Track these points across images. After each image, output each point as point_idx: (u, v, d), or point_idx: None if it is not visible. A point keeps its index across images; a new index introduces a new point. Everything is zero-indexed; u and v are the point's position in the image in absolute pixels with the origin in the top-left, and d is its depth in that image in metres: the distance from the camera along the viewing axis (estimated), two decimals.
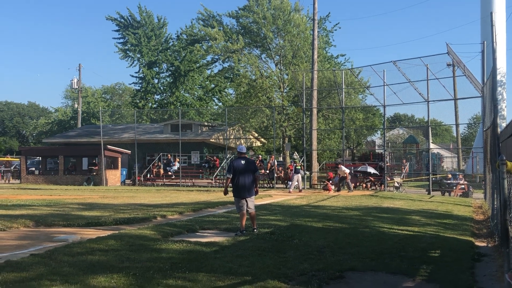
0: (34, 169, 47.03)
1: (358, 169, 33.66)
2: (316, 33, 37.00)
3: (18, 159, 49.84)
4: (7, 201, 21.43)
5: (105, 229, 13.07)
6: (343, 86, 35.75)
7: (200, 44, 52.51)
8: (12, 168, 50.85)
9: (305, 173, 33.59)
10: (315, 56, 36.42)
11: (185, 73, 61.65)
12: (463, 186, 30.80)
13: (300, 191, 30.07)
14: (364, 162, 37.15)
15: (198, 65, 62.00)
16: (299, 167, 31.07)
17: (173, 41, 65.69)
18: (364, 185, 32.65)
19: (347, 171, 30.05)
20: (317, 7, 36.32)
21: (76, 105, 67.60)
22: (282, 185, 34.45)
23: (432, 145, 45.13)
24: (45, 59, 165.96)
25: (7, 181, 44.64)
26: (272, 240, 11.09)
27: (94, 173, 40.03)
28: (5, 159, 58.64)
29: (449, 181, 31.85)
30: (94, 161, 41.09)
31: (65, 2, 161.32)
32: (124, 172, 42.80)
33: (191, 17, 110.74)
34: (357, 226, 13.94)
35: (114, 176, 40.75)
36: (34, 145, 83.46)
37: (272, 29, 44.56)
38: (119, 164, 42.16)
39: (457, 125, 49.24)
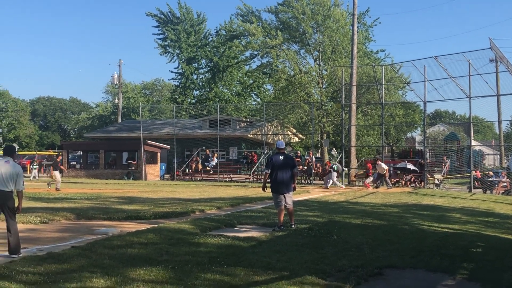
0: (75, 163, 47.90)
1: (398, 166, 33.23)
2: (355, 28, 36.63)
3: (60, 153, 50.78)
4: (49, 194, 21.90)
5: (144, 223, 13.22)
6: (383, 82, 35.31)
7: (239, 40, 52.66)
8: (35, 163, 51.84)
9: (343, 170, 33.34)
10: (355, 51, 36.06)
11: (223, 68, 61.84)
12: (505, 184, 30.12)
13: (326, 187, 29.94)
14: (403, 159, 36.63)
15: (236, 60, 62.12)
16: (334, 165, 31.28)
17: (212, 37, 65.95)
18: (403, 182, 32.23)
19: (386, 167, 29.70)
20: (357, 2, 35.91)
21: (116, 101, 68.58)
22: (319, 182, 34.29)
23: (473, 142, 44.22)
24: (87, 55, 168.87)
25: (49, 175, 45.56)
26: (310, 236, 11.03)
27: (134, 168, 40.58)
28: (48, 153, 59.91)
29: (491, 179, 31.19)
30: (132, 156, 41.60)
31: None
32: (163, 167, 43.26)
33: (230, 13, 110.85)
34: (396, 223, 13.77)
35: (153, 171, 41.22)
36: (75, 139, 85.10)
37: (311, 24, 44.35)
38: (158, 159, 42.62)
39: (499, 121, 48.08)
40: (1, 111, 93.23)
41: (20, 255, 8.76)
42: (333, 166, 31.10)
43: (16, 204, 9.14)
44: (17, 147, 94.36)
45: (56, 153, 44.60)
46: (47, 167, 46.92)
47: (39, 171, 42.42)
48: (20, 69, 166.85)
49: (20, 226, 12.37)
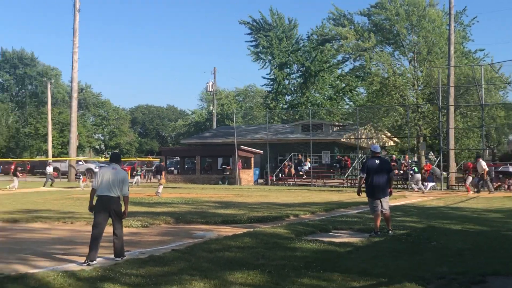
0: (173, 168, 49.37)
1: (499, 169, 31.75)
2: (452, 27, 35.47)
3: (158, 159, 52.54)
4: (150, 199, 22.69)
5: (240, 227, 13.39)
6: (483, 82, 33.92)
7: (331, 44, 52.33)
8: (153, 168, 53.70)
9: (441, 174, 32.29)
10: (452, 51, 34.89)
11: (315, 73, 61.66)
12: None
13: (423, 192, 29.07)
14: (506, 162, 34.98)
15: (328, 65, 61.81)
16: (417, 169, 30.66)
17: (303, 42, 65.99)
18: (506, 186, 30.74)
19: (486, 168, 28.34)
20: (453, 1, 34.76)
21: (211, 107, 70.12)
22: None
23: None
24: (183, 63, 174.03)
25: (148, 180, 47.22)
26: (408, 242, 10.76)
27: (228, 173, 41.27)
28: (147, 159, 62.19)
29: None
30: (227, 161, 42.35)
31: (200, 7, 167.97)
32: (256, 171, 43.71)
33: (321, 17, 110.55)
34: (499, 229, 13.16)
35: (247, 176, 41.74)
36: (172, 145, 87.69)
37: (406, 25, 43.40)
38: (252, 164, 43.12)
39: None
40: (103, 120, 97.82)
41: (124, 258, 9.12)
42: (413, 168, 30.33)
43: (123, 209, 9.50)
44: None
45: (160, 159, 46.18)
46: (147, 173, 48.72)
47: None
48: (120, 79, 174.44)
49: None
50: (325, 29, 57.65)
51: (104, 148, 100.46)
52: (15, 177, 33.52)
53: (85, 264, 8.67)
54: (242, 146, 41.60)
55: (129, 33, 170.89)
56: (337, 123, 51.33)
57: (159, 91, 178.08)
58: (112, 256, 9.24)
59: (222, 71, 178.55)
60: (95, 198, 9.46)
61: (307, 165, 40.43)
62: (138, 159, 60.97)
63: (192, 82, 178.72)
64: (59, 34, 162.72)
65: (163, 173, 27.88)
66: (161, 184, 26.54)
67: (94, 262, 8.79)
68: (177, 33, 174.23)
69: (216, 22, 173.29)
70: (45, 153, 70.67)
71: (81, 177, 35.42)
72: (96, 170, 50.94)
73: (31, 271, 8.06)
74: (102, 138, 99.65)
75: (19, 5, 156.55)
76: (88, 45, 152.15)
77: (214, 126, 62.30)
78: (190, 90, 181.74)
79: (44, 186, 35.48)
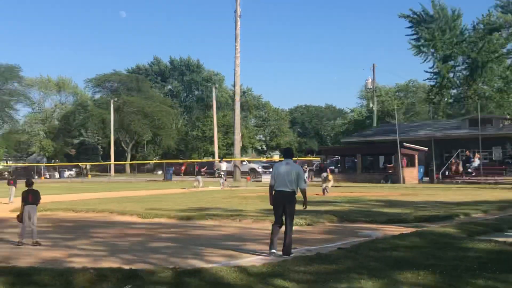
0: (333, 167, 49.34)
1: None
2: None
3: (318, 159, 52.83)
4: (312, 198, 22.85)
5: (407, 226, 13.02)
6: None
7: (499, 32, 49.07)
8: (314, 167, 54.12)
9: None
10: None
11: (482, 64, 58.07)
12: None
13: None
14: None
15: (497, 54, 57.96)
16: None
17: (468, 32, 62.55)
18: None
19: None
20: None
21: (371, 105, 69.11)
22: None
23: None
24: (340, 61, 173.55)
25: (310, 179, 47.62)
26: None
27: (391, 171, 40.35)
28: (307, 158, 62.84)
29: None
30: (389, 159, 41.41)
31: (357, 3, 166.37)
32: (421, 169, 42.25)
33: (487, 5, 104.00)
34: None
35: (411, 174, 40.49)
36: (332, 145, 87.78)
37: None
38: (416, 162, 41.76)
39: None
40: (264, 121, 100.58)
41: (292, 255, 9.28)
42: None
43: (295, 204, 9.72)
44: (278, 154, 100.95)
45: (320, 158, 46.49)
46: (309, 173, 49.18)
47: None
48: (279, 81, 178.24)
49: None
50: (492, 18, 54.18)
51: (265, 149, 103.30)
52: (199, 177, 35.68)
53: (271, 255, 9.20)
54: (405, 144, 40.44)
55: (286, 34, 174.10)
56: (508, 117, 47.96)
57: (318, 90, 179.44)
58: (280, 252, 9.43)
59: (382, 67, 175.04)
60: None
61: (476, 162, 38.24)
62: (298, 158, 61.84)
63: (351, 80, 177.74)
64: (221, 41, 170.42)
65: (328, 171, 27.86)
66: (330, 181, 26.68)
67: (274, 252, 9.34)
68: (335, 32, 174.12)
69: (374, 18, 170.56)
70: (212, 154, 74.34)
71: (222, 175, 36.67)
72: (259, 170, 52.62)
73: (206, 265, 8.49)
74: (263, 138, 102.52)
75: (185, 16, 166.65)
76: (248, 48, 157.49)
77: (375, 124, 61.30)
78: (349, 88, 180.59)
79: (222, 186, 36.93)
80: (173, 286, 7.03)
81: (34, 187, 11.98)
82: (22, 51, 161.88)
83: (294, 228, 13.01)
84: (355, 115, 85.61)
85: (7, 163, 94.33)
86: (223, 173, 36.56)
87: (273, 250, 9.46)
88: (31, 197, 11.60)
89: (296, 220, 13.70)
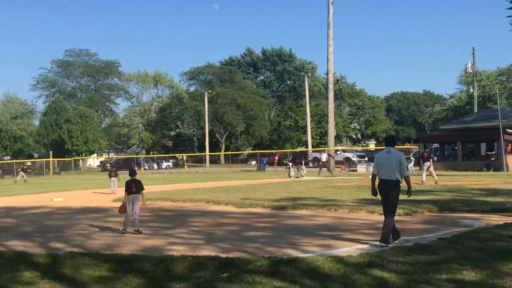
0: (432, 155, 47.79)
1: None
2: None
3: (416, 147, 51.45)
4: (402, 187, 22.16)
5: (510, 215, 12.40)
6: None
7: None
8: (412, 156, 52.70)
9: None
10: None
11: None
12: None
13: None
14: None
15: None
16: None
17: None
18: None
19: None
20: None
21: (471, 90, 66.35)
22: None
23: None
24: (439, 46, 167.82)
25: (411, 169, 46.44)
26: None
27: (494, 159, 38.58)
28: (404, 146, 61.32)
29: None
30: (491, 146, 39.60)
31: None
32: None
33: None
34: None
35: None
36: (430, 132, 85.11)
37: None
38: None
39: None
40: (359, 109, 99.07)
41: (390, 245, 9.06)
42: None
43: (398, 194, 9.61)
44: (374, 142, 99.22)
45: (418, 146, 45.26)
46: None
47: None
48: (374, 68, 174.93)
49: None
50: None
51: (360, 138, 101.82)
52: (302, 166, 35.99)
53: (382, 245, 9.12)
54: (508, 130, 38.48)
55: (380, 19, 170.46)
56: None
57: (414, 76, 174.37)
58: (377, 242, 9.24)
59: (482, 51, 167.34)
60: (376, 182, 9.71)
61: None
62: (397, 147, 60.44)
63: (450, 64, 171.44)
64: (313, 29, 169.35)
65: (431, 160, 26.90)
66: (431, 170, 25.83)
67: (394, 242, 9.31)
68: (432, 14, 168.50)
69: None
70: (305, 144, 74.22)
71: (290, 165, 36.57)
72: (354, 159, 51.95)
73: (301, 255, 8.45)
74: (358, 127, 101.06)
75: (277, 6, 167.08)
76: (341, 36, 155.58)
77: (475, 110, 58.76)
78: (447, 74, 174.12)
79: (319, 175, 37.03)
80: (269, 275, 7.04)
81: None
82: (121, 48, 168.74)
83: None
84: (455, 101, 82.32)
85: (108, 155, 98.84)
86: (290, 163, 36.49)
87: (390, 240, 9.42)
88: (134, 187, 12.03)
89: None
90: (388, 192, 9.40)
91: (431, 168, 25.81)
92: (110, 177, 26.00)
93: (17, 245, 10.68)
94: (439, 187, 21.82)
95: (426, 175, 25.29)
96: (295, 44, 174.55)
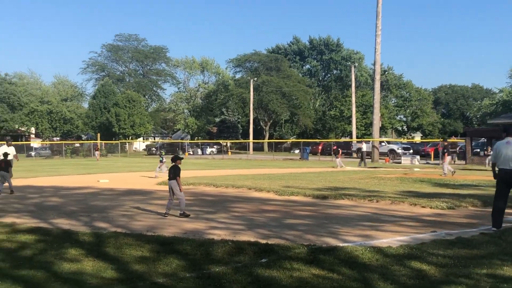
0: (478, 150, 46.87)
1: None
2: None
3: (463, 141, 50.48)
4: (454, 181, 21.93)
5: None
6: None
7: None
8: (457, 149, 51.78)
9: None
10: None
11: None
12: None
13: None
14: None
15: None
16: None
17: None
18: None
19: None
20: None
21: None
22: None
23: None
24: (487, 38, 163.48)
25: (452, 162, 45.67)
26: None
27: None
28: (451, 140, 60.15)
29: None
30: None
31: None
32: None
33: None
34: None
35: None
36: (478, 126, 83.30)
37: None
38: None
39: None
40: (405, 101, 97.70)
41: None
42: None
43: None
44: (420, 135, 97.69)
45: (464, 140, 44.43)
46: (452, 155, 47.09)
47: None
48: (423, 59, 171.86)
49: (427, 211, 12.78)
50: None
51: (406, 130, 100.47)
52: (336, 159, 35.94)
53: (493, 230, 9.57)
54: None
55: (429, 10, 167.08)
56: None
57: (463, 69, 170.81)
58: (422, 235, 9.18)
59: None
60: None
61: None
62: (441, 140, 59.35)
63: (500, 58, 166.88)
64: (362, 19, 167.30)
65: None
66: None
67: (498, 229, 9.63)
68: (482, 5, 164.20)
69: None
70: (349, 134, 73.69)
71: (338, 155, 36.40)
72: (399, 151, 51.30)
73: (340, 244, 8.46)
74: (404, 119, 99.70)
75: None
76: (389, 26, 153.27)
77: None
78: (498, 67, 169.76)
79: (359, 165, 36.82)
80: (308, 262, 7.08)
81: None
82: (170, 33, 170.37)
83: (434, 211, 12.66)
84: (504, 95, 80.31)
85: (154, 139, 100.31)
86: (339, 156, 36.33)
87: (494, 228, 9.76)
88: (171, 173, 12.24)
89: (436, 203, 13.29)
90: (508, 182, 9.82)
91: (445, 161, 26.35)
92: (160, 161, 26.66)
93: (64, 223, 11.00)
94: (481, 182, 21.36)
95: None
96: (343, 34, 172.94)
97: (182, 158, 12.96)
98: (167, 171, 12.95)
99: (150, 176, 26.03)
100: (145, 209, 13.52)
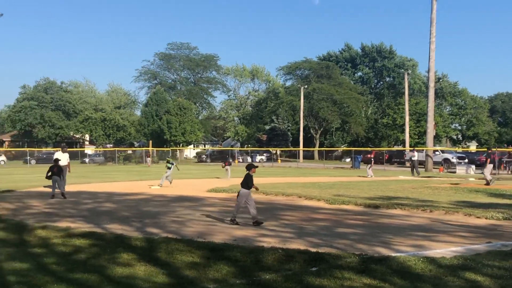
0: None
1: None
2: None
3: None
4: (502, 191, 21.18)
5: None
6: None
7: None
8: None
9: None
10: None
11: None
12: None
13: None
14: None
15: None
16: None
17: None
18: None
19: None
20: None
21: None
22: None
23: None
24: None
25: (509, 172, 44.39)
26: None
27: None
28: (507, 149, 58.49)
29: None
30: None
31: None
32: None
33: None
34: None
35: None
36: None
37: None
38: None
39: None
40: (460, 109, 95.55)
41: None
42: None
43: None
44: (475, 144, 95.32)
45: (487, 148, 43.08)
46: (508, 165, 45.77)
47: (498, 167, 41.64)
48: (478, 67, 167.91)
49: (482, 221, 12.44)
50: None
51: (461, 138, 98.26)
52: (368, 170, 35.26)
53: None
54: None
55: (485, 17, 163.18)
56: None
57: None
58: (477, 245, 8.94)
59: None
60: None
61: None
62: (498, 149, 57.83)
63: None
64: (415, 25, 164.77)
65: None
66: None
67: None
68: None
69: None
70: (402, 143, 72.52)
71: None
72: (453, 160, 50.13)
73: (393, 254, 8.31)
74: (459, 127, 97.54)
75: (377, 1, 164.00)
76: (443, 33, 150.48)
77: None
78: None
79: (412, 175, 36.12)
80: (359, 272, 6.99)
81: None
82: (220, 41, 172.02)
83: (489, 222, 12.30)
84: None
85: (204, 146, 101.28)
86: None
87: None
88: (244, 182, 12.23)
89: (492, 213, 12.93)
90: None
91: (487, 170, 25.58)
92: (223, 167, 30.62)
93: (116, 228, 11.19)
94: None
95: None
96: (396, 41, 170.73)
97: (257, 167, 12.90)
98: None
99: (152, 185, 25.34)
100: (195, 215, 13.61)
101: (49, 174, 18.29)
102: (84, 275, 6.87)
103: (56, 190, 18.21)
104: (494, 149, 32.83)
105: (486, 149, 37.09)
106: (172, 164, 25.00)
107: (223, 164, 31.09)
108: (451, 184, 25.60)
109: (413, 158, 38.47)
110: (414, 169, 37.17)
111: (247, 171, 12.35)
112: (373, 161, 37.67)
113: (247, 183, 12.14)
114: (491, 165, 26.04)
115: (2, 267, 7.39)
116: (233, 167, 32.77)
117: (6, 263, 7.63)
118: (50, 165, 18.74)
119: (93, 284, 6.47)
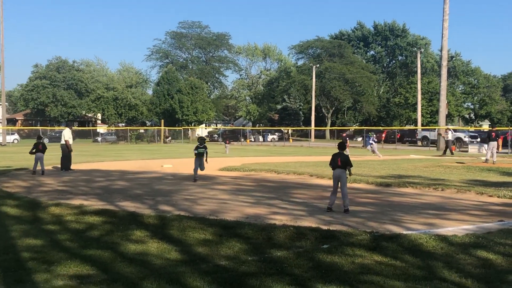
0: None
1: None
2: None
3: None
4: None
5: None
6: None
7: None
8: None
9: None
10: None
11: None
12: None
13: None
14: None
15: None
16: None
17: None
18: None
19: None
20: None
21: None
22: None
23: None
24: None
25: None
26: None
27: None
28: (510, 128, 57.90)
29: None
30: None
31: None
32: None
33: None
34: None
35: None
36: None
37: None
38: None
39: None
40: (473, 88, 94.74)
41: None
42: None
43: None
44: (488, 123, 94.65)
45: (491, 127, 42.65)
46: None
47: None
48: (492, 45, 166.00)
49: (494, 200, 12.40)
50: None
51: (473, 118, 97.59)
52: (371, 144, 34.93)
53: None
54: None
55: None
56: None
57: None
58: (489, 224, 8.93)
59: None
60: None
61: None
62: (500, 128, 57.32)
63: None
64: (429, 3, 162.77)
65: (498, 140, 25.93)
66: None
67: None
68: None
69: None
70: (414, 122, 72.19)
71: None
72: (466, 139, 49.87)
73: (404, 232, 8.32)
74: (472, 106, 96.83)
75: None
76: (457, 10, 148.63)
77: None
78: None
79: (444, 154, 35.70)
80: (370, 249, 7.02)
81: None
82: (232, 20, 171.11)
83: (502, 200, 12.26)
84: None
85: (216, 126, 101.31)
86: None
87: None
88: (339, 161, 10.86)
89: (504, 192, 12.89)
90: None
91: (494, 150, 25.56)
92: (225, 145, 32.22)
93: (129, 206, 11.28)
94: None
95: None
96: (409, 19, 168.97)
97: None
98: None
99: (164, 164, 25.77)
100: (207, 193, 13.67)
101: (34, 150, 18.81)
102: (97, 252, 6.95)
103: (37, 167, 18.88)
104: (496, 128, 32.25)
105: (489, 129, 36.75)
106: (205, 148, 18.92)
107: (225, 143, 39.06)
108: (469, 163, 25.52)
109: (446, 138, 37.61)
110: (448, 148, 36.54)
111: (340, 150, 11.05)
112: (348, 142, 37.49)
113: (345, 162, 10.84)
114: (494, 143, 25.77)
115: (17, 243, 7.49)
116: (244, 146, 32.84)
117: (20, 239, 7.73)
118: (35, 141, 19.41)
119: (107, 260, 6.55)
